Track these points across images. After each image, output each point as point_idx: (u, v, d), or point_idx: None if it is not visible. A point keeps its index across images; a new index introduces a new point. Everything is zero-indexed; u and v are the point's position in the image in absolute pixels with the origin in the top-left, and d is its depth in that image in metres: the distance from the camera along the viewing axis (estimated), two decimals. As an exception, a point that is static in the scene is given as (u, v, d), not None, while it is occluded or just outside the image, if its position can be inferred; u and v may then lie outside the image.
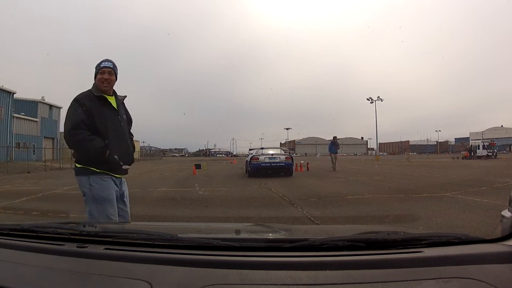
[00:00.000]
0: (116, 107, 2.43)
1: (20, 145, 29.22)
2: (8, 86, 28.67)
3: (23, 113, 31.09)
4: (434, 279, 0.81)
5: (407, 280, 0.82)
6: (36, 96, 34.96)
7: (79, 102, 2.30)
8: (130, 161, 2.50)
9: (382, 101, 43.95)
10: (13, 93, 29.21)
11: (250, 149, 18.02)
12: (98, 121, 2.31)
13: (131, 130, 2.69)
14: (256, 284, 0.82)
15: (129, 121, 2.64)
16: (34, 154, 28.42)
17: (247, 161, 12.97)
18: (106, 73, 2.36)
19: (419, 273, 0.84)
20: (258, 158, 11.95)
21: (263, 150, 12.97)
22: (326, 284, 0.82)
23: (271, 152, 12.55)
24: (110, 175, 2.32)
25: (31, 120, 32.10)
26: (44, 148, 28.35)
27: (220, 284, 0.82)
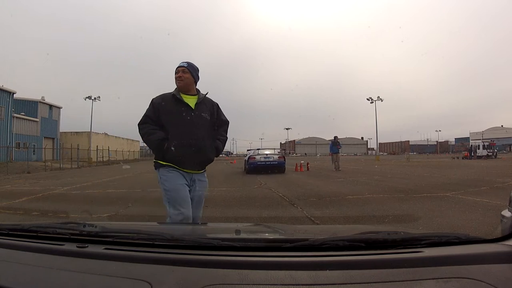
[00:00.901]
0: (192, 105, 2.48)
1: (20, 145, 29.21)
2: (8, 86, 28.70)
3: (23, 113, 31.09)
4: (434, 279, 0.81)
5: (407, 280, 0.82)
6: (36, 96, 34.97)
7: (152, 100, 2.49)
8: (198, 158, 2.48)
9: (382, 101, 43.90)
10: (13, 93, 29.21)
11: (248, 150, 19.91)
12: (164, 116, 2.43)
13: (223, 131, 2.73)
14: (256, 284, 0.82)
15: (220, 122, 2.68)
16: (34, 154, 28.43)
17: (245, 160, 14.74)
18: (180, 71, 2.48)
19: (419, 273, 0.84)
20: (255, 158, 13.62)
21: (259, 150, 14.58)
22: (326, 284, 0.82)
23: (266, 152, 14.26)
24: (176, 168, 2.39)
25: (31, 120, 32.10)
26: (44, 148, 28.41)
27: (220, 284, 0.82)
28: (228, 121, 2.75)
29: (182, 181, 2.39)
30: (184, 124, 2.42)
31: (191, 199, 2.41)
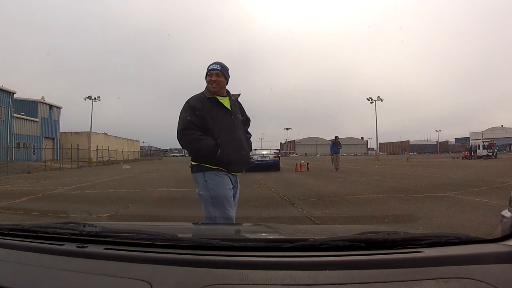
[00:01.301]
0: (229, 108, 2.45)
1: (20, 145, 29.21)
2: (8, 86, 28.69)
3: (23, 113, 31.08)
4: (434, 279, 0.81)
5: (407, 280, 0.82)
6: (36, 96, 34.96)
7: (190, 104, 2.38)
8: (244, 160, 2.50)
9: (382, 101, 43.89)
10: (13, 93, 29.20)
11: None
12: (210, 121, 2.35)
13: (248, 130, 2.72)
14: (256, 284, 0.82)
15: (246, 120, 2.66)
16: (34, 154, 28.42)
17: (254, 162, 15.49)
18: (213, 75, 2.40)
19: (419, 273, 0.84)
20: (252, 157, 13.95)
21: (256, 151, 15.40)
22: (326, 284, 0.82)
23: (263, 152, 15.86)
24: (225, 172, 2.36)
25: (31, 120, 32.09)
26: (44, 148, 28.40)
27: (220, 284, 0.82)
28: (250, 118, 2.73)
29: (230, 185, 2.38)
30: (230, 127, 2.40)
31: (234, 198, 2.43)
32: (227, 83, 2.48)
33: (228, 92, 2.50)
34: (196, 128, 2.34)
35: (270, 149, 16.44)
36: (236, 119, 2.46)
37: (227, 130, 2.38)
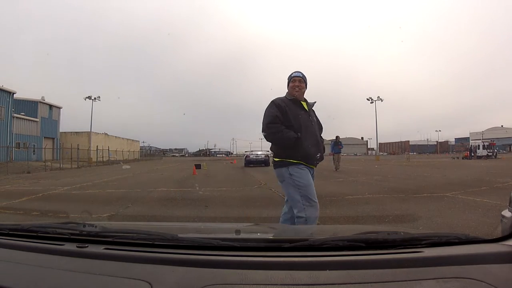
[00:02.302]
0: (307, 110, 2.78)
1: (20, 145, 29.20)
2: (8, 86, 28.69)
3: (23, 113, 31.08)
4: (434, 279, 0.81)
5: (407, 280, 0.82)
6: (36, 96, 34.95)
7: (275, 102, 2.69)
8: (320, 155, 2.77)
9: (382, 101, 43.89)
10: (13, 93, 29.20)
11: (245, 151, 30.24)
12: (292, 118, 2.64)
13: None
14: (256, 284, 0.82)
15: (320, 127, 2.94)
16: (34, 154, 28.41)
17: (244, 157, 23.23)
18: (297, 81, 2.75)
19: (419, 273, 0.84)
20: (249, 156, 22.10)
21: (252, 151, 24.74)
22: (326, 284, 0.82)
23: (257, 153, 22.95)
24: (305, 165, 2.64)
25: (31, 120, 32.08)
26: (44, 148, 28.38)
27: (220, 284, 0.82)
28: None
29: (310, 176, 2.68)
30: (308, 126, 2.70)
31: None
32: (305, 90, 2.82)
33: (305, 99, 2.83)
34: (280, 122, 2.62)
35: (262, 150, 24.52)
36: (313, 121, 2.78)
37: (306, 128, 2.67)
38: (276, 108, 2.64)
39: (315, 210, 2.62)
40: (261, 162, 20.43)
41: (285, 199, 2.95)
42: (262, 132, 2.66)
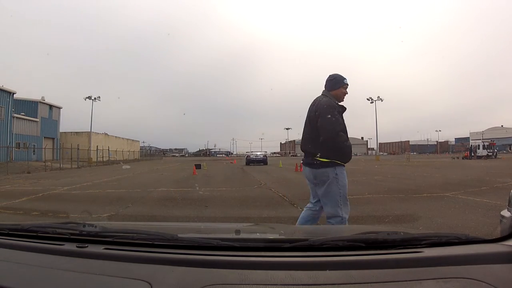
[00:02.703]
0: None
1: (20, 145, 29.20)
2: (8, 86, 28.70)
3: (23, 113, 31.08)
4: (434, 279, 0.81)
5: (407, 280, 0.82)
6: (36, 96, 34.97)
7: (337, 109, 2.79)
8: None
9: (382, 101, 43.90)
10: (13, 93, 29.20)
11: (246, 152, 32.89)
12: (343, 125, 2.81)
13: None
14: (256, 284, 0.82)
15: None
16: (34, 154, 28.41)
17: (245, 157, 26.53)
18: (346, 88, 2.91)
19: (419, 273, 0.84)
20: (250, 156, 25.81)
21: (252, 152, 29.10)
22: (326, 284, 0.82)
23: (257, 153, 27.33)
24: (344, 167, 2.85)
25: (31, 120, 32.08)
26: (44, 148, 28.38)
27: (220, 284, 0.82)
28: None
29: None
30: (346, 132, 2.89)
31: None
32: None
33: None
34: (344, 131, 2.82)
35: (261, 151, 30.03)
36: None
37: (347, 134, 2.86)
38: (339, 115, 2.80)
39: (348, 209, 2.83)
40: (260, 161, 24.03)
41: (311, 199, 3.12)
42: (331, 137, 2.72)
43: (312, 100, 2.93)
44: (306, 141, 2.94)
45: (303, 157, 3.04)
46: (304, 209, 3.15)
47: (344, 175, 2.81)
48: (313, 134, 2.82)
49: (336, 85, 2.87)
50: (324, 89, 2.92)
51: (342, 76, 2.91)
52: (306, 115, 2.93)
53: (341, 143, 2.76)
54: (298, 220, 3.08)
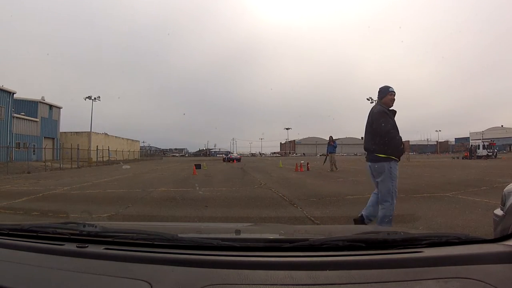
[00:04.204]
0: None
1: (20, 145, 29.19)
2: (8, 86, 28.70)
3: (23, 113, 31.07)
4: (434, 279, 0.81)
5: (407, 280, 0.82)
6: (36, 96, 34.97)
7: (387, 114, 3.46)
8: None
9: (382, 101, 43.82)
10: (13, 93, 29.20)
11: (225, 152, 54.95)
12: (394, 125, 3.47)
13: None
14: (256, 284, 0.82)
15: None
16: (34, 154, 28.39)
17: (225, 157, 40.05)
18: (393, 95, 3.52)
19: (419, 273, 0.84)
20: (232, 155, 40.09)
21: (229, 153, 52.74)
22: (326, 284, 0.82)
23: (233, 154, 44.73)
24: (397, 162, 3.46)
25: (31, 120, 32.08)
26: (44, 148, 28.37)
27: (220, 284, 0.82)
28: None
29: None
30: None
31: None
32: None
33: None
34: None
35: (238, 153, 51.03)
36: None
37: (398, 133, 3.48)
38: (391, 118, 3.46)
39: (396, 197, 3.44)
40: (236, 160, 34.79)
41: (375, 191, 3.62)
42: (383, 136, 3.39)
43: (370, 111, 3.62)
44: (367, 142, 3.62)
45: (366, 154, 3.74)
46: (372, 194, 3.67)
47: (396, 169, 3.43)
48: (371, 136, 3.53)
49: (383, 94, 3.53)
50: (377, 99, 3.63)
51: (387, 86, 3.55)
52: (366, 122, 3.66)
53: (392, 139, 3.40)
54: (368, 203, 3.65)
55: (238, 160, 34.50)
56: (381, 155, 3.41)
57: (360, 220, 3.55)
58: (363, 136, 3.67)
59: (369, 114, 3.58)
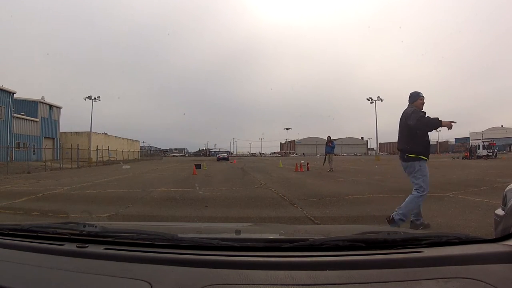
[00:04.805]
0: None
1: (20, 145, 29.19)
2: (8, 86, 28.70)
3: (23, 113, 31.07)
4: (434, 279, 0.81)
5: (407, 280, 0.82)
6: (36, 96, 34.96)
7: (419, 113, 3.83)
8: None
9: (382, 101, 43.96)
10: (13, 93, 29.20)
11: (218, 153, 52.27)
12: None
13: None
14: (256, 284, 0.82)
15: None
16: (34, 154, 28.39)
17: (217, 156, 44.35)
18: (423, 99, 3.96)
19: (419, 273, 0.84)
20: (221, 155, 43.37)
21: (221, 153, 48.55)
22: (326, 284, 0.82)
23: (223, 153, 46.87)
24: (426, 160, 3.86)
25: (31, 120, 32.08)
26: (44, 148, 28.39)
27: (220, 284, 0.82)
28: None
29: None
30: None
31: None
32: None
33: None
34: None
35: (226, 151, 56.83)
36: None
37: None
38: (421, 119, 3.77)
39: (427, 193, 3.84)
40: (225, 159, 38.77)
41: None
42: (417, 123, 3.72)
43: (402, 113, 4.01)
44: (400, 143, 4.04)
45: (399, 154, 4.10)
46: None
47: (425, 167, 3.82)
48: (404, 137, 3.95)
49: (414, 99, 3.95)
50: (408, 103, 4.01)
51: (418, 92, 3.98)
52: (398, 125, 4.07)
53: (421, 139, 3.81)
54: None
55: (226, 159, 38.85)
56: (412, 155, 3.82)
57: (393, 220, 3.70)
58: (398, 137, 4.11)
59: (402, 116, 3.97)
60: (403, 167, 3.98)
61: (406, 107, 4.01)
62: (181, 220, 4.64)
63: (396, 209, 3.73)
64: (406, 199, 3.76)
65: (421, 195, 3.75)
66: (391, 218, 3.65)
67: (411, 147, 3.82)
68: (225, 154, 45.42)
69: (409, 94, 4.03)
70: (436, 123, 3.75)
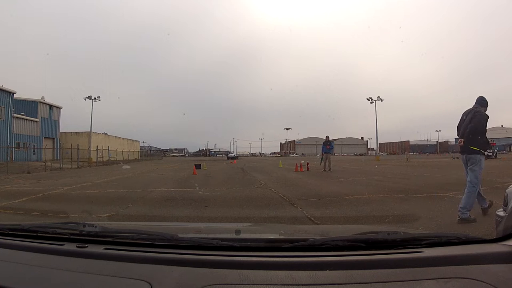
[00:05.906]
0: None
1: (20, 145, 29.19)
2: (8, 86, 28.70)
3: (23, 113, 31.06)
4: (434, 279, 0.81)
5: (407, 280, 0.82)
6: (36, 96, 34.97)
7: (487, 118, 4.46)
8: None
9: (382, 101, 44.04)
10: (13, 93, 29.19)
11: (227, 151, 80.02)
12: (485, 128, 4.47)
13: None
14: (256, 284, 0.82)
15: None
16: (34, 154, 28.39)
17: (227, 155, 61.09)
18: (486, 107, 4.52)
19: (419, 273, 0.84)
20: (229, 154, 66.39)
21: (228, 153, 71.05)
22: (326, 284, 0.82)
23: (233, 153, 67.43)
24: (484, 155, 4.38)
25: (31, 120, 32.07)
26: (44, 148, 28.36)
27: (220, 284, 0.82)
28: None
29: None
30: None
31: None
32: None
33: None
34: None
35: (232, 152, 77.12)
36: None
37: None
38: (486, 122, 4.40)
39: (479, 185, 4.29)
40: (234, 158, 43.67)
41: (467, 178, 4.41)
42: (475, 134, 4.33)
43: (465, 112, 4.53)
44: (463, 136, 4.46)
45: (459, 148, 4.58)
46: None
47: (483, 161, 4.35)
48: (467, 131, 4.37)
49: (484, 104, 4.49)
50: (475, 103, 4.48)
51: (486, 99, 4.51)
52: (461, 119, 4.57)
53: (484, 138, 4.35)
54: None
55: (236, 158, 45.32)
56: (475, 148, 4.35)
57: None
58: (458, 133, 4.55)
59: (468, 112, 4.45)
60: (465, 159, 4.45)
61: (474, 107, 4.49)
62: (181, 220, 4.64)
63: (459, 209, 4.11)
64: (463, 197, 4.21)
65: (474, 188, 4.20)
66: (459, 218, 4.05)
67: (476, 141, 4.34)
68: (233, 154, 53.79)
69: (481, 97, 4.53)
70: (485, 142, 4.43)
